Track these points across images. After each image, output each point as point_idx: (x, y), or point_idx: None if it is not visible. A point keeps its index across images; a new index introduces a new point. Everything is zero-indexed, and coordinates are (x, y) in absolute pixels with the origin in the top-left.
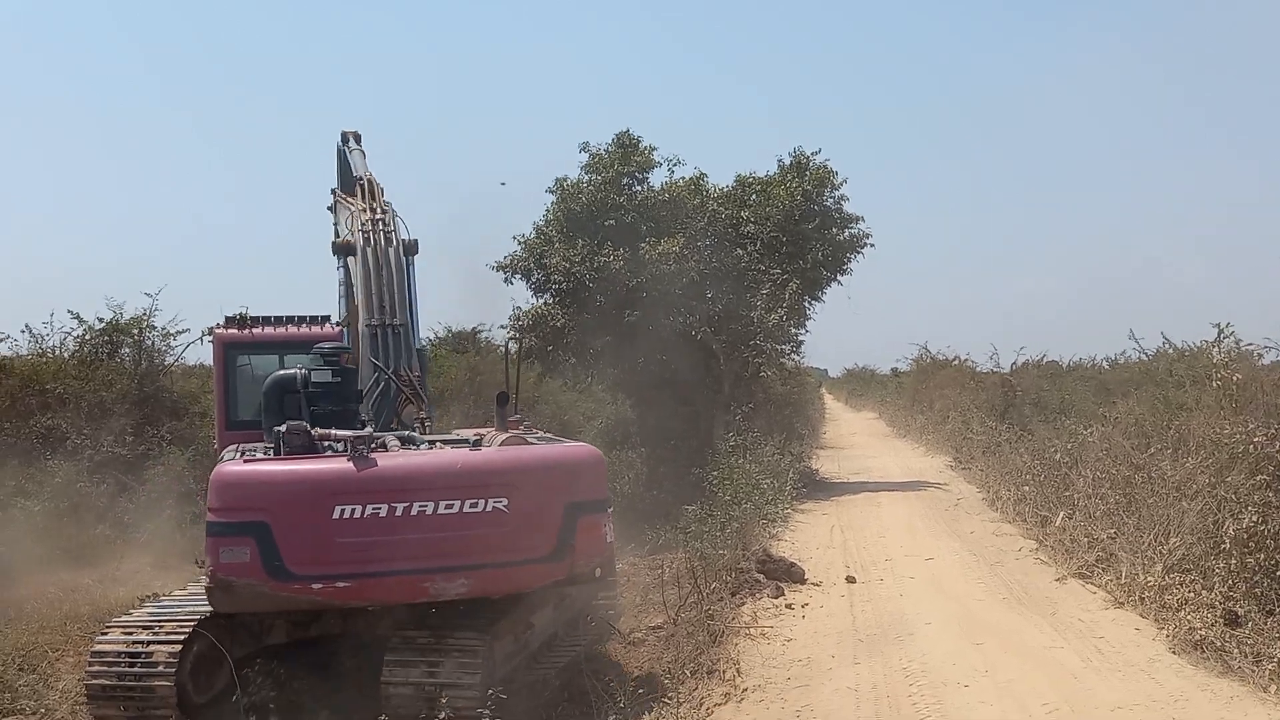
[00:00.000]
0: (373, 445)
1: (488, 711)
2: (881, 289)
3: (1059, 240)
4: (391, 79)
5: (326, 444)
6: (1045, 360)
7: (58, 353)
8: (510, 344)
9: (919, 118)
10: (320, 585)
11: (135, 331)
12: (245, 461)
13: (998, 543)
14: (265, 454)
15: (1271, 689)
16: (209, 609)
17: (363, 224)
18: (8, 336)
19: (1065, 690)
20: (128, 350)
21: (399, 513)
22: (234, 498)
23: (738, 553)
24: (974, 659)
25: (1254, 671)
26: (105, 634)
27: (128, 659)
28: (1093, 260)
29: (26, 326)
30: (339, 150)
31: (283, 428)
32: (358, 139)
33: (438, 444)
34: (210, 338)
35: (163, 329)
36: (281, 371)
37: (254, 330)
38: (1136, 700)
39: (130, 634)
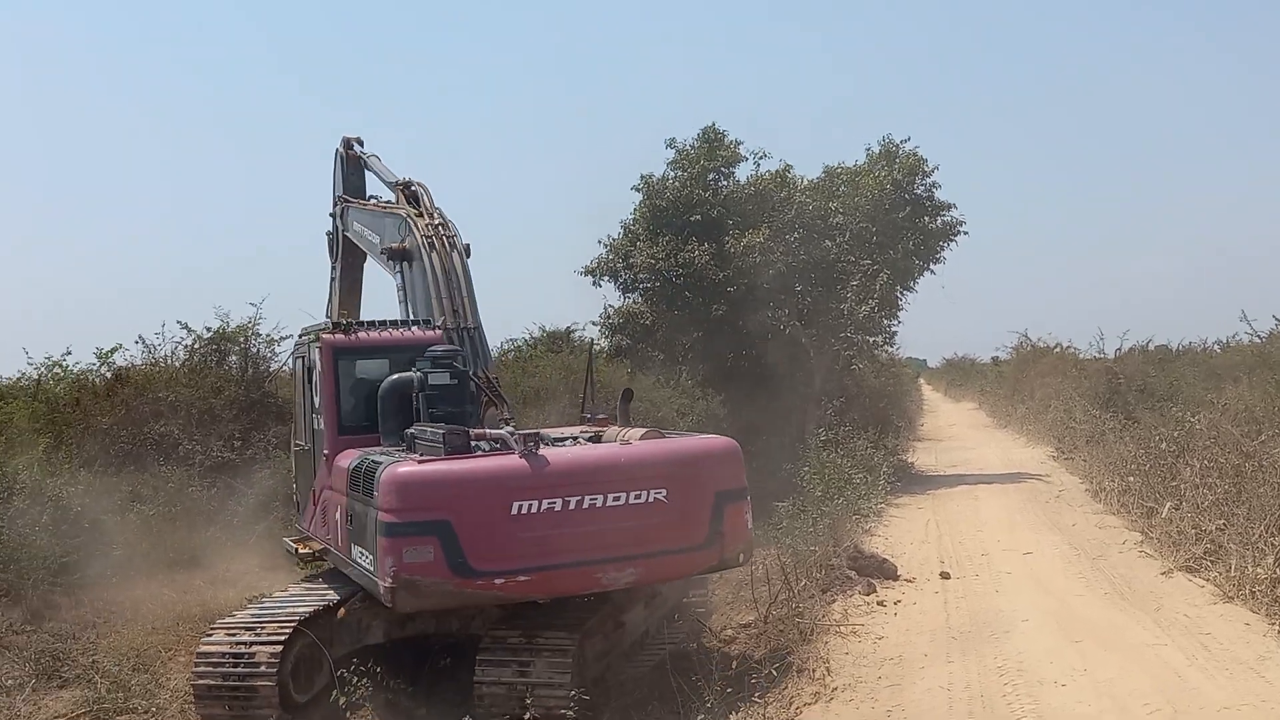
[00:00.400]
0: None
1: (576, 711)
2: (981, 276)
3: (1172, 219)
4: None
5: (478, 444)
6: (1152, 345)
7: (169, 361)
8: (593, 344)
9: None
10: (502, 580)
11: (241, 339)
12: (421, 462)
13: (1100, 536)
14: (401, 456)
15: None
16: (309, 609)
17: (425, 233)
18: (121, 347)
19: (1168, 689)
20: (234, 358)
21: (572, 506)
22: (416, 498)
23: (829, 549)
24: (1072, 657)
25: None
26: (210, 635)
27: (231, 660)
28: (1209, 238)
29: (140, 337)
30: (340, 156)
31: (431, 429)
32: (360, 143)
33: (567, 441)
34: (315, 343)
35: (267, 336)
36: (398, 375)
37: (359, 335)
38: (1245, 700)
39: (234, 635)
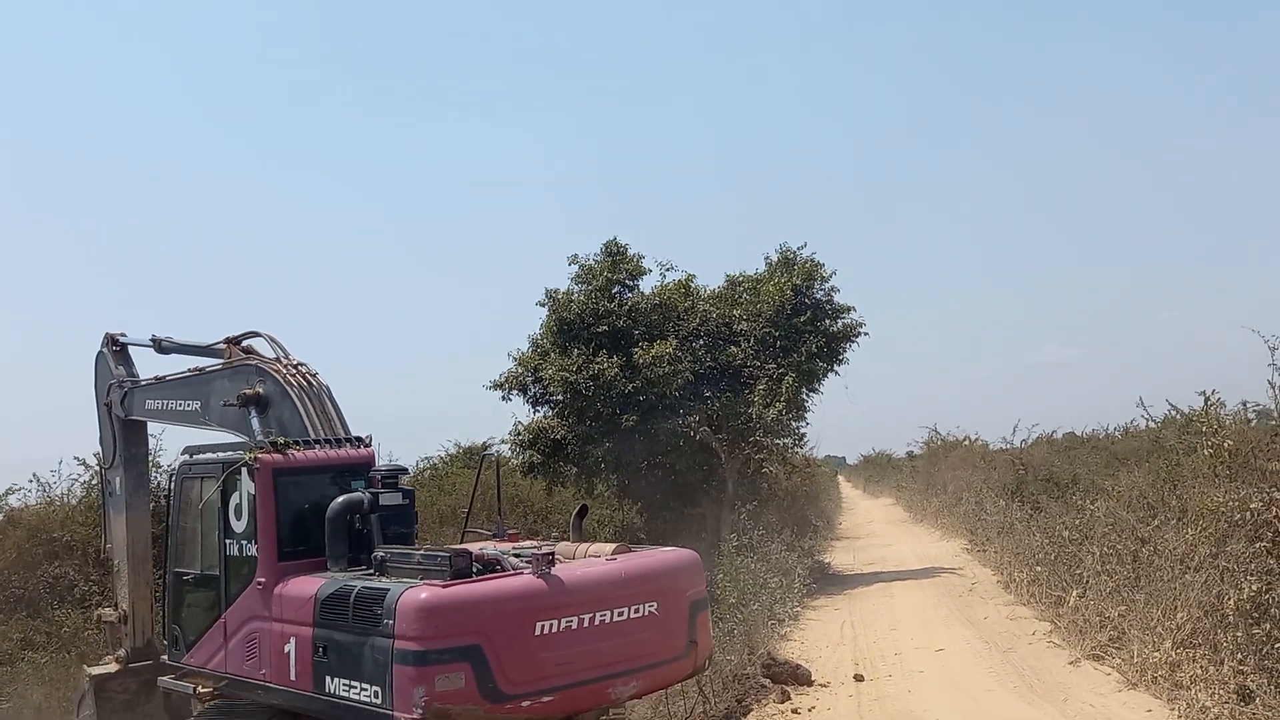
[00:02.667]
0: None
1: None
2: (891, 372)
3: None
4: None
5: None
6: (1058, 434)
7: (65, 500)
8: (491, 458)
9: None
10: (529, 702)
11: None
12: (445, 586)
13: (1011, 627)
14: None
15: None
16: None
17: (280, 371)
18: (16, 488)
19: None
20: None
21: (585, 624)
22: (447, 623)
23: (744, 657)
24: None
25: None
26: None
27: None
28: (1109, 323)
29: (34, 476)
30: (103, 354)
31: (418, 551)
32: (124, 335)
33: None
34: (255, 465)
35: (168, 468)
36: (346, 496)
37: (293, 455)
38: None
39: None
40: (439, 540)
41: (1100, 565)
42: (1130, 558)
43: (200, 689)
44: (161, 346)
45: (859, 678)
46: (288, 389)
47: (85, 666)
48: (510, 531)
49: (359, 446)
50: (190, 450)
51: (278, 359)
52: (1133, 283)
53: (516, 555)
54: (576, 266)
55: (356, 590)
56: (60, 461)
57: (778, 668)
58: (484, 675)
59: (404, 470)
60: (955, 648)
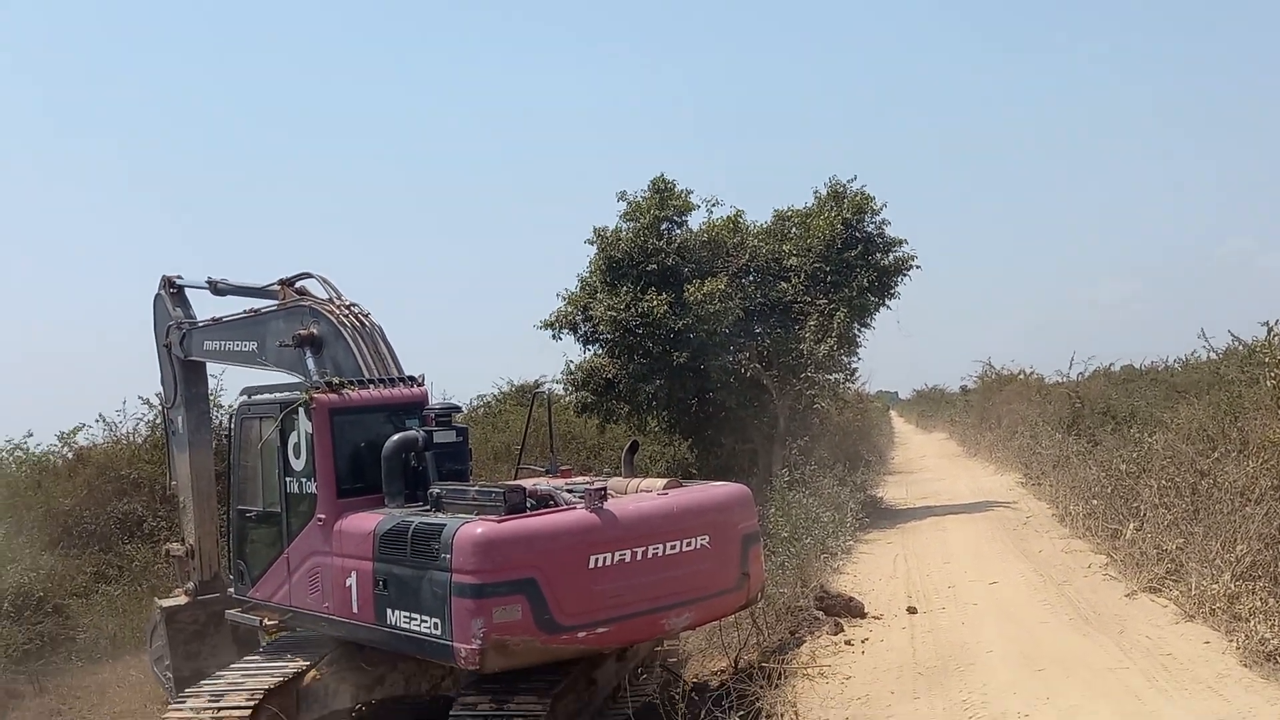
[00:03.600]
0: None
1: None
2: (947, 307)
3: (1137, 240)
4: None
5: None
6: (1115, 367)
7: (131, 439)
8: (542, 395)
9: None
10: (585, 633)
11: None
12: (500, 521)
13: (1066, 561)
14: (460, 516)
15: None
16: (271, 681)
17: (333, 311)
18: (84, 426)
19: (1127, 713)
20: None
21: (639, 557)
22: (503, 557)
23: (797, 590)
24: (1035, 686)
25: None
26: (172, 711)
27: None
28: (1168, 257)
29: (100, 415)
30: (161, 295)
31: (473, 487)
32: (180, 277)
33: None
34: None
35: (229, 407)
36: (401, 435)
37: (348, 395)
38: (1202, 719)
39: (199, 708)
40: (494, 477)
41: (1158, 498)
42: (1189, 490)
43: (266, 622)
44: (217, 288)
45: (912, 610)
46: (341, 329)
47: (156, 599)
48: (564, 468)
49: (412, 386)
50: (249, 391)
51: (330, 300)
52: (1192, 215)
53: (570, 491)
54: (624, 204)
55: (414, 525)
56: (124, 401)
57: (831, 600)
58: (540, 607)
59: (457, 409)
60: (1009, 580)
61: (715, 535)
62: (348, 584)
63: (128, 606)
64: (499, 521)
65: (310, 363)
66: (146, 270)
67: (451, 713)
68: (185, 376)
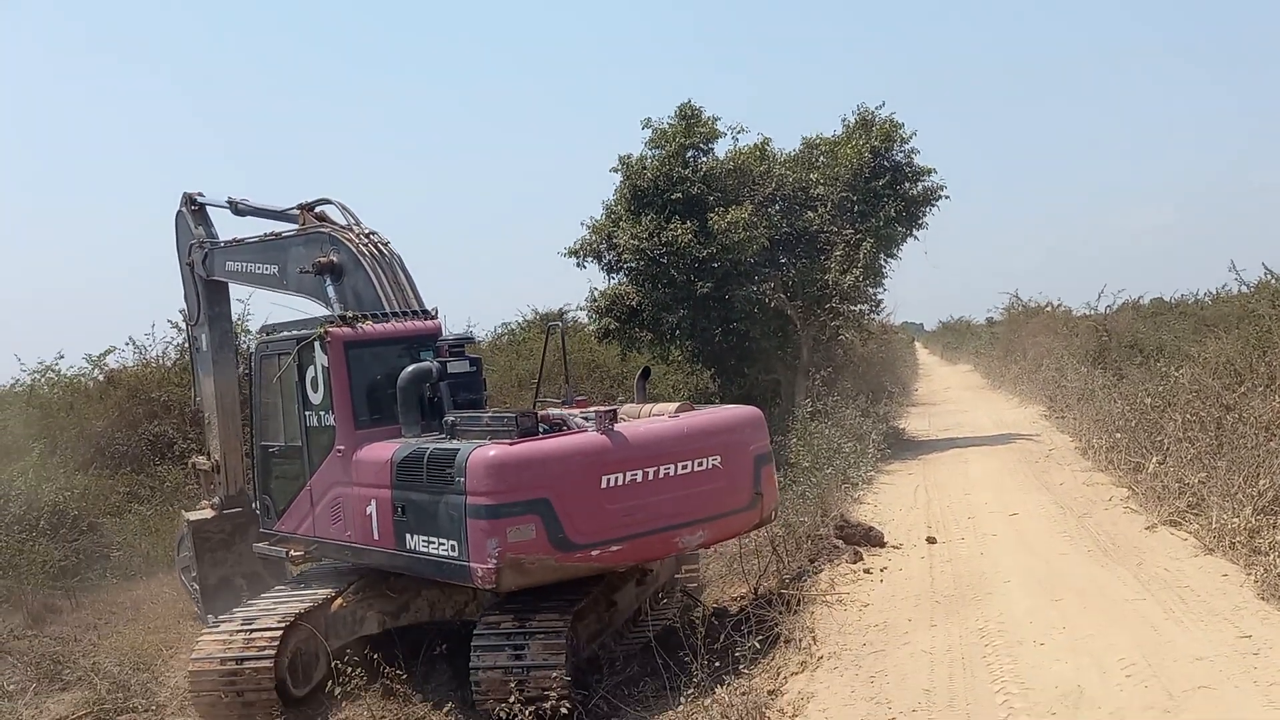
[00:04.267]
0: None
1: (569, 691)
2: (973, 237)
3: (1171, 167)
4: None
5: (542, 425)
6: (1144, 299)
7: (160, 362)
8: (554, 326)
9: (999, 61)
10: (598, 551)
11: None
12: (513, 444)
13: (1088, 493)
14: (474, 442)
15: None
16: (300, 607)
17: (352, 240)
18: (114, 349)
19: (1144, 643)
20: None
21: (651, 477)
22: (516, 479)
23: (817, 519)
24: (1052, 616)
25: None
26: (206, 634)
27: (229, 658)
28: (1211, 185)
29: (130, 339)
30: (183, 213)
31: (486, 414)
32: (202, 195)
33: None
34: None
35: (256, 333)
36: (415, 365)
37: (362, 328)
38: (1218, 650)
39: (230, 633)
40: (515, 405)
41: (1182, 432)
42: (1214, 425)
43: (293, 554)
44: (237, 208)
45: (931, 540)
46: (360, 258)
47: (183, 512)
48: (579, 397)
49: (426, 318)
50: (266, 329)
51: (349, 227)
52: (1231, 144)
53: (584, 417)
54: (650, 130)
55: (429, 452)
56: (153, 325)
57: (850, 529)
58: (553, 526)
59: (470, 339)
60: (1029, 512)
61: (727, 455)
62: (368, 512)
63: (160, 526)
64: (511, 444)
65: (331, 291)
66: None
67: (475, 632)
68: (208, 295)
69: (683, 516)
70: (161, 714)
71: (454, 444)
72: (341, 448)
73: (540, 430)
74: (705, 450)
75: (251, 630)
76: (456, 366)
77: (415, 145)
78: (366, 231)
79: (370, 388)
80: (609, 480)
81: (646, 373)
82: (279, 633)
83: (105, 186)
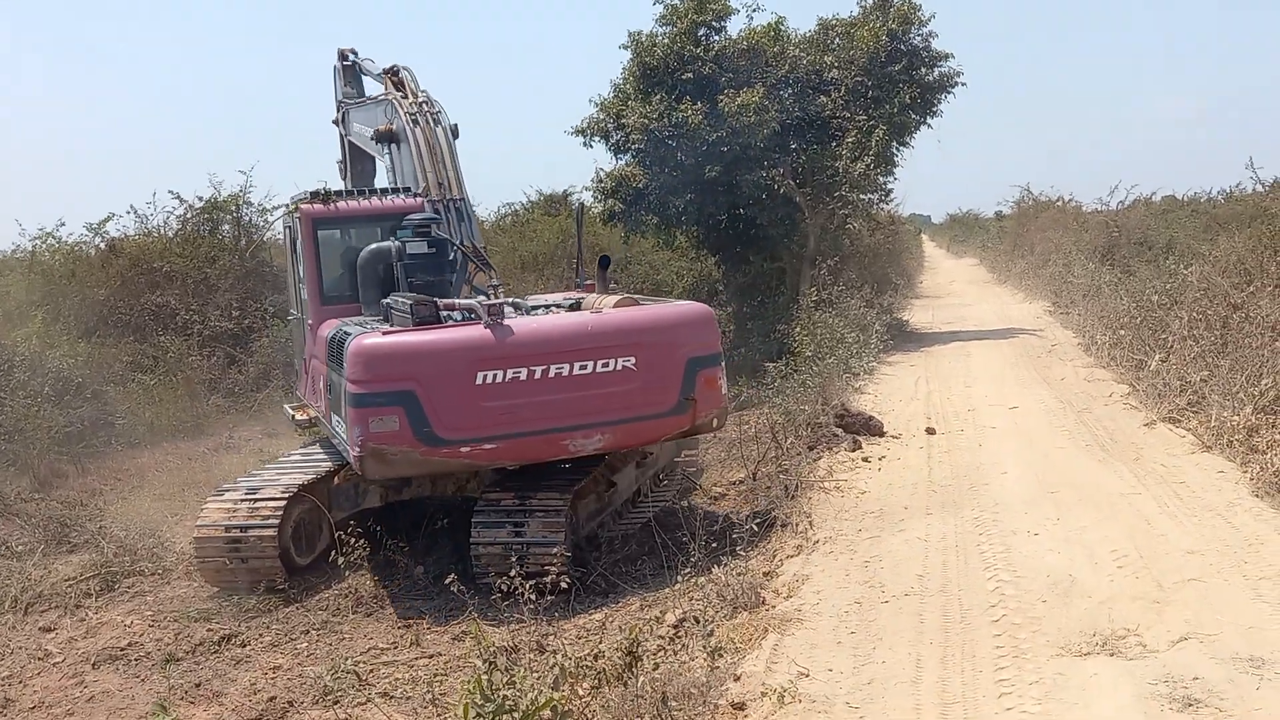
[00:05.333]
0: (503, 312)
1: (568, 568)
2: (986, 128)
3: (1189, 57)
4: None
5: (447, 314)
6: (1157, 197)
7: (162, 232)
8: (581, 204)
9: None
10: (469, 448)
11: (233, 208)
12: (385, 334)
13: (1088, 389)
14: (376, 327)
15: None
16: (304, 479)
17: (409, 110)
18: (114, 216)
19: (1137, 536)
20: (227, 227)
21: (537, 375)
22: (380, 369)
23: (818, 408)
24: (1047, 508)
25: None
26: (211, 502)
27: (233, 526)
28: (1229, 77)
29: (131, 207)
30: (336, 69)
31: (403, 299)
32: (355, 53)
33: (543, 310)
34: (295, 214)
35: (259, 204)
36: (377, 245)
37: (337, 205)
38: (1209, 545)
39: (235, 501)
40: (519, 288)
41: (1187, 330)
42: (1220, 323)
43: (298, 416)
44: (345, 67)
45: (930, 431)
46: (408, 129)
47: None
48: (587, 281)
49: (408, 198)
50: (292, 199)
51: (408, 96)
52: (1255, 30)
53: (514, 306)
54: (661, 6)
55: (335, 334)
56: (154, 194)
57: (850, 418)
58: (418, 420)
59: (435, 219)
60: (1029, 406)
61: (645, 357)
62: (320, 386)
63: (163, 396)
64: (384, 334)
65: (388, 159)
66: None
67: (476, 507)
68: (351, 155)
69: (577, 418)
70: (168, 578)
71: (354, 328)
72: (311, 322)
73: (452, 319)
74: (613, 350)
75: (256, 500)
76: (415, 248)
77: (420, 8)
78: (421, 100)
79: (344, 265)
80: (485, 377)
81: (605, 261)
82: (282, 503)
83: (111, 50)
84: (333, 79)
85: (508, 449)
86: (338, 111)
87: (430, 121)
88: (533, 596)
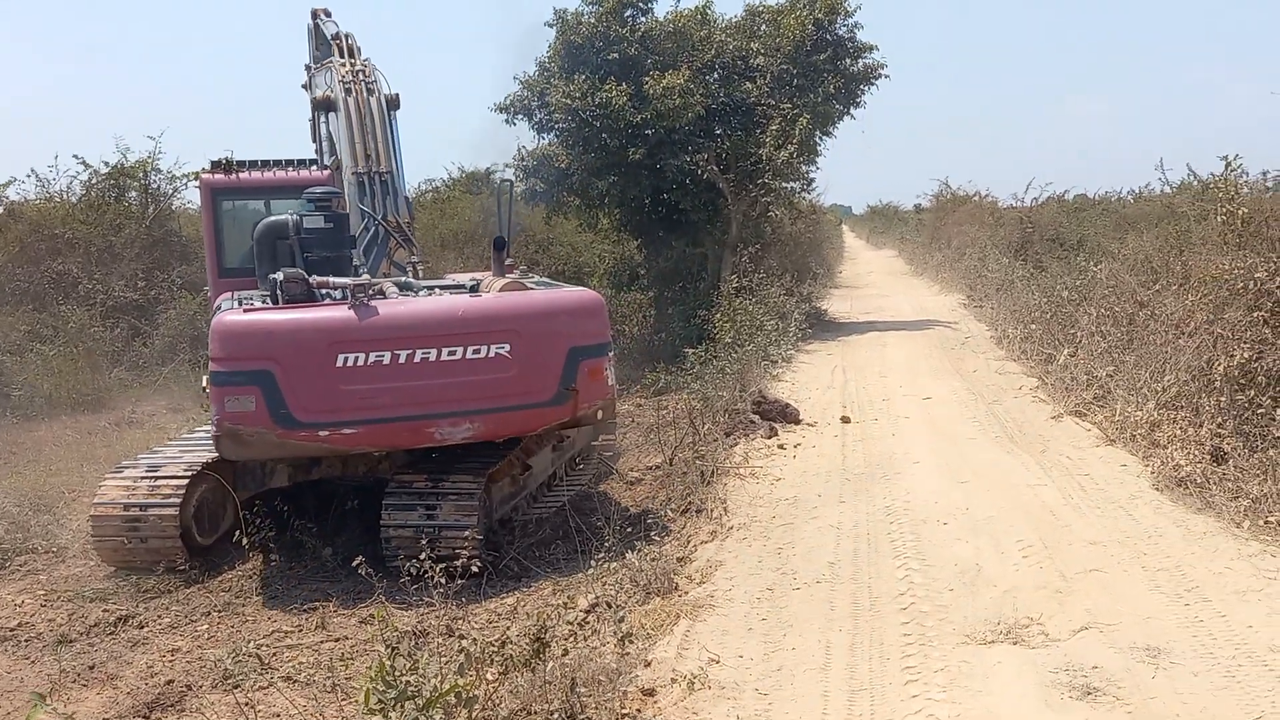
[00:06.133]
0: (372, 293)
1: (483, 552)
2: (908, 121)
3: (1108, 58)
4: None
5: (325, 291)
6: (1070, 195)
7: (65, 197)
8: (505, 184)
9: None
10: (327, 432)
11: (141, 175)
12: (246, 311)
13: (999, 381)
14: (262, 302)
15: (1245, 525)
16: (208, 456)
17: (343, 78)
18: (15, 180)
19: (1041, 527)
20: (134, 194)
21: (402, 360)
22: (237, 347)
23: (736, 394)
24: (957, 497)
25: (1230, 507)
26: (110, 478)
27: (133, 504)
28: (1146, 79)
29: (33, 171)
30: (309, 28)
31: (279, 275)
32: (328, 13)
33: (435, 290)
34: (197, 183)
35: (168, 172)
36: (272, 218)
37: (240, 175)
38: (1111, 535)
39: (135, 478)
40: (439, 267)
41: (1095, 326)
42: (1126, 320)
43: (207, 388)
44: (314, 27)
45: (845, 419)
46: (341, 97)
47: None
48: (508, 261)
49: (310, 169)
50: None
51: (345, 62)
52: (1167, 35)
53: (402, 287)
54: None
55: (215, 309)
56: (56, 157)
57: (768, 406)
58: (275, 401)
59: (335, 194)
60: (942, 397)
61: (520, 345)
62: None
63: (62, 367)
64: (244, 312)
65: (324, 127)
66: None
67: (387, 490)
68: (313, 117)
69: (444, 406)
70: (63, 556)
71: (226, 305)
72: (209, 293)
73: (329, 298)
74: (484, 336)
75: (157, 478)
76: (312, 222)
77: None
78: (358, 68)
79: (244, 237)
80: (346, 359)
81: (500, 243)
82: (184, 481)
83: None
84: (306, 40)
85: (369, 434)
86: (306, 74)
87: (364, 90)
88: (443, 580)
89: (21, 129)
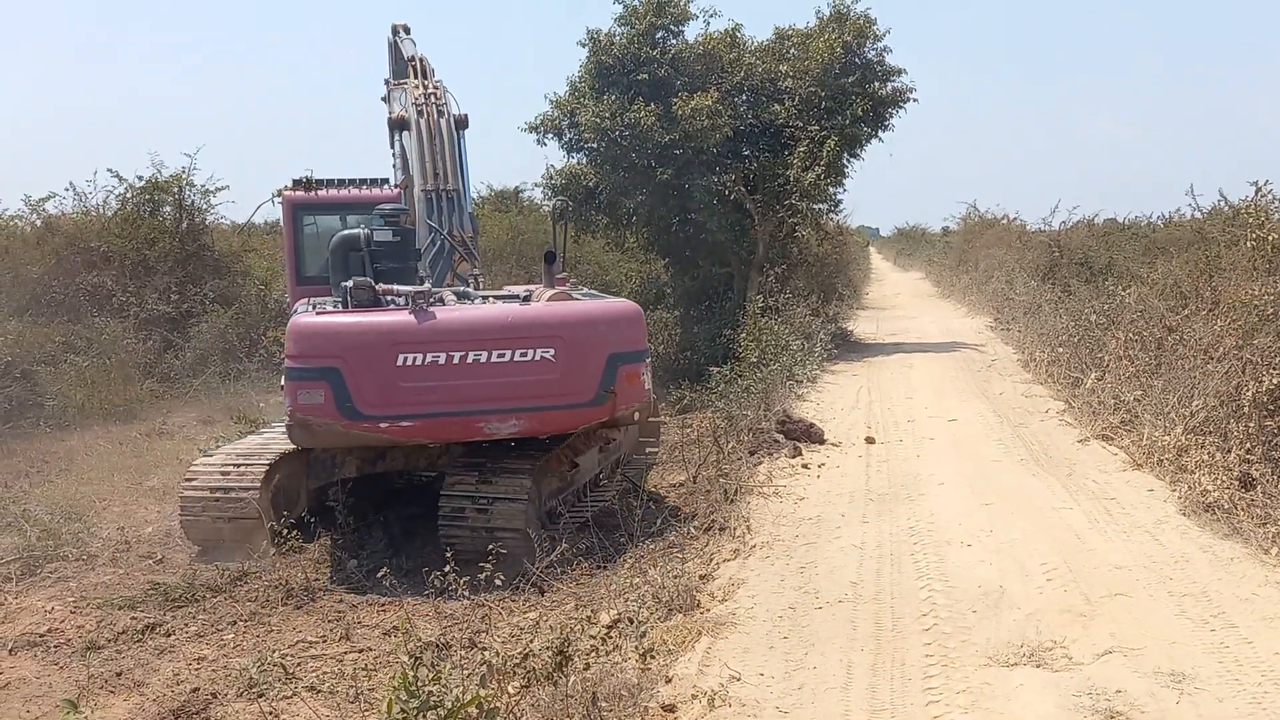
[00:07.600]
0: (431, 300)
1: (531, 541)
2: (935, 144)
3: (1131, 82)
4: None
5: (390, 298)
6: (1099, 219)
7: (101, 211)
8: (561, 203)
9: None
10: (387, 424)
11: (175, 190)
12: (318, 314)
13: (1026, 404)
14: (333, 307)
15: (1273, 551)
16: (285, 449)
17: (415, 99)
18: (54, 195)
19: (1066, 551)
20: (168, 209)
21: (456, 360)
22: (309, 346)
23: (760, 414)
24: (981, 519)
25: (1258, 534)
26: (199, 461)
27: (220, 486)
28: (1170, 104)
29: (70, 185)
30: (389, 43)
31: (349, 283)
32: (407, 30)
33: (491, 299)
34: (279, 200)
35: (201, 187)
36: (346, 231)
37: (319, 192)
38: (1136, 560)
39: (222, 462)
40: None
41: (1123, 350)
42: (1155, 345)
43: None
44: (393, 40)
45: (870, 440)
46: (414, 118)
47: None
48: (560, 275)
49: (382, 187)
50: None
51: (418, 84)
52: (1196, 59)
53: (460, 296)
54: (620, 6)
55: (291, 313)
56: (95, 172)
57: (792, 425)
58: (341, 395)
59: (403, 210)
60: (967, 419)
61: (564, 349)
62: None
63: (95, 378)
64: (317, 314)
65: (398, 146)
66: (120, 40)
67: (444, 483)
68: (390, 134)
69: (493, 403)
70: (93, 564)
71: (302, 308)
72: (289, 300)
73: (393, 304)
74: (533, 341)
75: (241, 464)
76: (381, 235)
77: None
78: (430, 90)
79: (318, 248)
80: (406, 359)
81: (550, 257)
82: (263, 471)
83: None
84: (389, 53)
85: (424, 427)
86: (385, 88)
87: (435, 112)
88: (497, 581)
89: (63, 140)
